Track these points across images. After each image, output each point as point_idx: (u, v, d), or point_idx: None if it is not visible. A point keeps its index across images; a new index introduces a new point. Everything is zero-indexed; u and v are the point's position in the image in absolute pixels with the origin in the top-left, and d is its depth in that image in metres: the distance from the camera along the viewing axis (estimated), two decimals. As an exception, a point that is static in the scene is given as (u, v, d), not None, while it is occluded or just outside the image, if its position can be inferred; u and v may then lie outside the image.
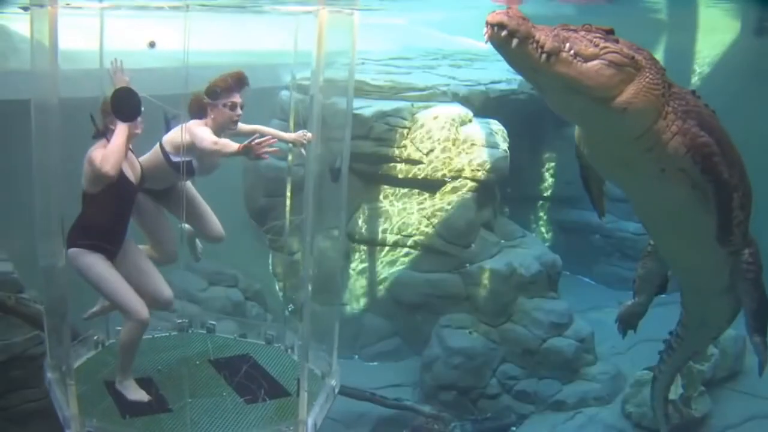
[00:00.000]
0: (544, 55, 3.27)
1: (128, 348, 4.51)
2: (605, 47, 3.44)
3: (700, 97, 4.06)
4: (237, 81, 4.61)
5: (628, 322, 5.39)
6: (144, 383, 4.53)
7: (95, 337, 5.06)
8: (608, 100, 3.51)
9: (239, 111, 4.62)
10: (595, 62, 3.41)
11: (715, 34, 10.62)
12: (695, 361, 8.11)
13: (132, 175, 4.54)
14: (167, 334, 5.32)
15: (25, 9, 4.03)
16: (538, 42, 3.25)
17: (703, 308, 4.99)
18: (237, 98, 4.59)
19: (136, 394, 4.49)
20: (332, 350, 4.83)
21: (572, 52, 3.35)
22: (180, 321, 5.42)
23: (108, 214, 4.35)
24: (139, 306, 4.42)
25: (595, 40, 3.43)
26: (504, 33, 3.18)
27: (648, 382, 7.74)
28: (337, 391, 4.75)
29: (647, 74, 3.57)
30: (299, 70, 5.16)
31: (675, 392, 7.65)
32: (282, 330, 5.46)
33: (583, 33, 3.46)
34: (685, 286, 5.09)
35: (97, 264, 4.40)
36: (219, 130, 4.59)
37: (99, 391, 4.42)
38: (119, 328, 5.02)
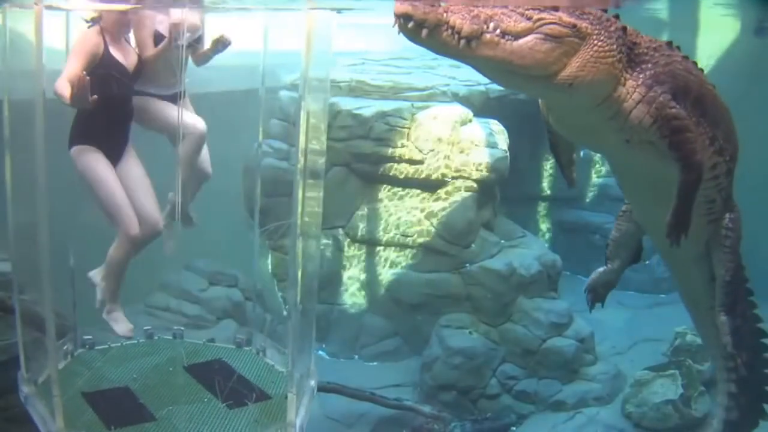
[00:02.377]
0: (462, 41, 2.91)
1: (115, 268, 4.42)
2: (540, 19, 3.05)
3: (678, 48, 3.68)
4: None
5: (597, 292, 5.07)
6: (121, 393, 4.47)
7: (64, 347, 4.94)
8: (550, 76, 3.15)
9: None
10: (529, 38, 3.04)
11: (715, 34, 10.61)
12: (695, 360, 8.14)
13: (125, 61, 4.47)
14: (135, 341, 5.23)
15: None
16: (453, 27, 2.88)
17: (685, 279, 4.66)
18: None
19: (123, 326, 4.44)
20: (310, 350, 4.78)
21: (498, 31, 2.98)
22: (147, 328, 5.38)
23: (103, 104, 4.20)
24: (131, 220, 4.35)
25: (527, 12, 3.06)
26: (411, 24, 2.83)
27: (648, 382, 7.78)
28: (315, 391, 4.73)
29: (595, 42, 3.18)
30: (272, 70, 5.18)
31: (675, 392, 7.66)
32: (251, 333, 5.46)
33: (512, 7, 3.09)
34: (662, 254, 4.83)
35: (98, 166, 4.32)
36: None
37: (78, 403, 4.32)
38: (88, 337, 5.01)
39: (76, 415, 4.15)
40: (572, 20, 3.12)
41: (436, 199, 8.65)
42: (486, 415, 7.91)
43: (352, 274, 8.97)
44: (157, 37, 4.68)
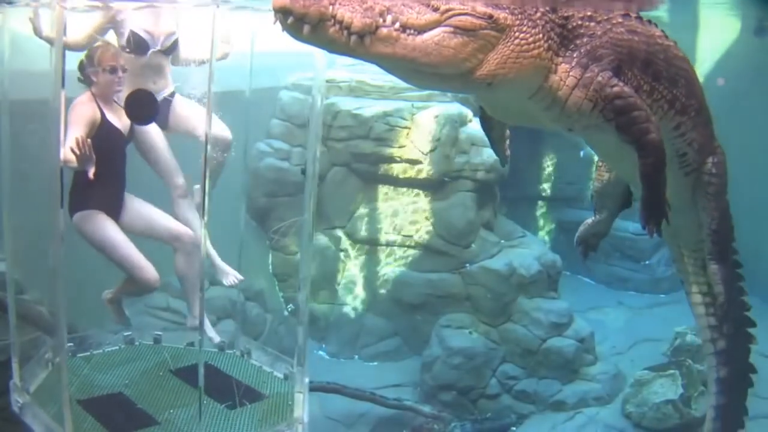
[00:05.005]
0: (353, 37, 2.50)
1: (121, 293, 4.70)
2: (449, 10, 2.65)
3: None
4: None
5: (588, 243, 4.83)
6: (117, 399, 4.44)
7: (46, 355, 4.83)
8: (464, 74, 2.75)
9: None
10: (435, 31, 2.63)
11: (715, 34, 10.61)
12: (695, 360, 8.14)
13: (119, 125, 4.58)
14: (117, 347, 5.23)
15: None
16: (341, 22, 2.48)
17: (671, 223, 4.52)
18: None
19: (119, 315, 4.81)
20: (303, 348, 4.76)
21: (397, 24, 2.57)
22: (126, 334, 5.33)
23: (100, 165, 4.25)
24: (147, 271, 4.51)
25: (433, 3, 2.65)
26: (291, 20, 2.43)
27: (648, 382, 7.78)
28: (308, 387, 4.74)
29: (516, 34, 2.78)
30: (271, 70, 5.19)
31: (675, 392, 7.66)
32: (236, 335, 5.45)
33: None
34: None
35: (101, 228, 4.45)
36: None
37: (75, 410, 4.20)
38: (68, 344, 4.97)
39: (77, 423, 4.07)
40: (488, 11, 2.72)
41: (436, 199, 8.66)
42: (486, 415, 7.91)
43: (352, 274, 8.97)
44: (134, 40, 4.69)
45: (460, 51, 2.67)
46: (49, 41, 4.34)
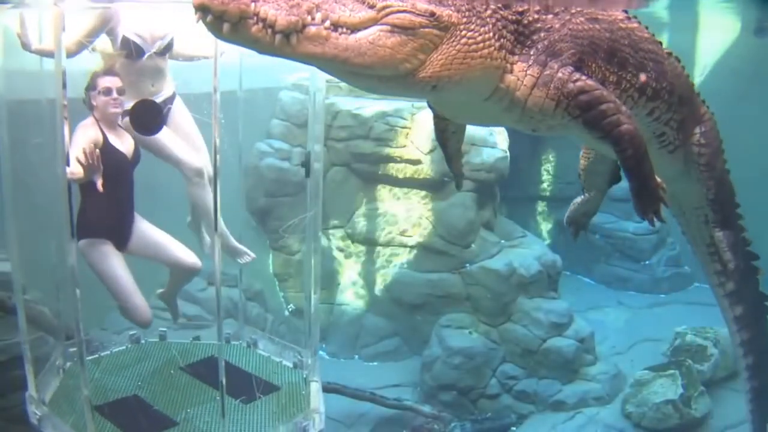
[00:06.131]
0: (278, 36, 2.33)
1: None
2: (386, 7, 2.46)
3: None
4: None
5: (578, 222, 4.68)
6: (132, 402, 4.44)
7: (56, 362, 4.86)
8: (405, 76, 2.56)
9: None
10: (370, 30, 2.45)
11: (715, 34, 10.62)
12: (695, 360, 8.15)
13: (123, 149, 4.57)
14: (124, 347, 5.25)
15: None
16: (264, 20, 2.30)
17: (669, 187, 4.15)
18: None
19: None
20: (315, 340, 4.78)
21: (327, 23, 2.39)
22: (132, 333, 5.33)
23: (107, 194, 4.26)
24: (141, 311, 4.54)
25: (370, 0, 2.46)
26: (210, 17, 2.27)
27: (648, 382, 7.77)
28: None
29: (462, 33, 2.59)
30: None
31: (675, 392, 7.66)
32: (241, 327, 5.45)
33: None
34: None
35: (105, 260, 4.47)
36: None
37: (93, 418, 4.16)
38: (74, 349, 4.97)
39: (98, 430, 4.07)
40: (430, 8, 2.52)
41: (436, 199, 8.66)
42: (486, 415, 7.91)
43: (352, 274, 8.97)
44: (127, 45, 4.67)
45: (397, 51, 2.48)
46: (40, 54, 4.33)
